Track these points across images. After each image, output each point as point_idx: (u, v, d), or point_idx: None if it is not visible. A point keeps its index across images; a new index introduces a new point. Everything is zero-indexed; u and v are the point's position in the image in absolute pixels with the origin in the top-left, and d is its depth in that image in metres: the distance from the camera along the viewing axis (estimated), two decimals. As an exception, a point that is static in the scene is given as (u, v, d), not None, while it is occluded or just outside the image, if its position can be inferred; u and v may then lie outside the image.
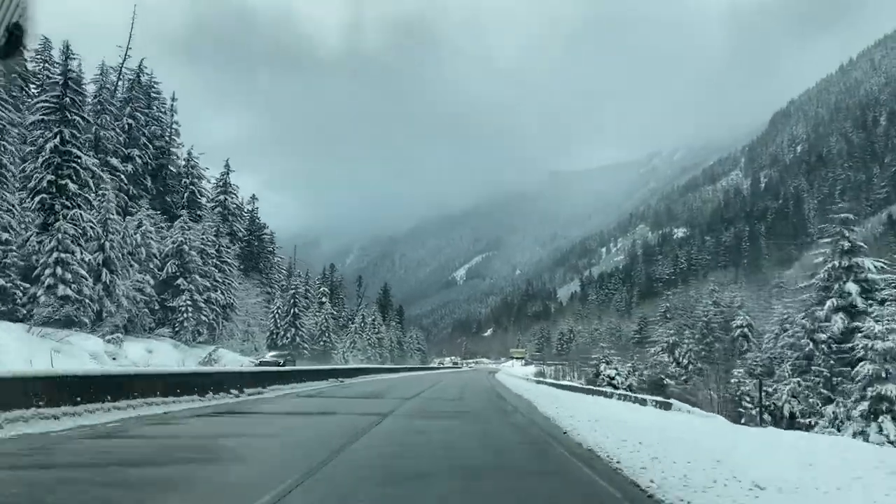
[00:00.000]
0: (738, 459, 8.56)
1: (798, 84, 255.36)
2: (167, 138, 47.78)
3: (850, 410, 28.64)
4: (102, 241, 31.52)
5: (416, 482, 7.22)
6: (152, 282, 35.63)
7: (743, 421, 31.53)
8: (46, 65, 38.04)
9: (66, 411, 12.48)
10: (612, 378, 46.86)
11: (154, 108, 47.26)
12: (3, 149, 28.48)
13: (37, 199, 31.11)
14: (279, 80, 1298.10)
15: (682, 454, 9.05)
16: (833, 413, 29.92)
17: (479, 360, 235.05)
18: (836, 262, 33.01)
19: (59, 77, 33.48)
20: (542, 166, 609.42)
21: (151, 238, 36.53)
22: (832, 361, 32.12)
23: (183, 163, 48.76)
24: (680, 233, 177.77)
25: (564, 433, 12.86)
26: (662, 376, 47.89)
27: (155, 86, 47.57)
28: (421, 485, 7.10)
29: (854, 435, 25.90)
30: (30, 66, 35.94)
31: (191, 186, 48.29)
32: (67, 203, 31.07)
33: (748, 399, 35.78)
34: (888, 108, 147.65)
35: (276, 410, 17.59)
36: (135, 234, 35.39)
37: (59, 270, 28.56)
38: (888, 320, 28.37)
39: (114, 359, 28.46)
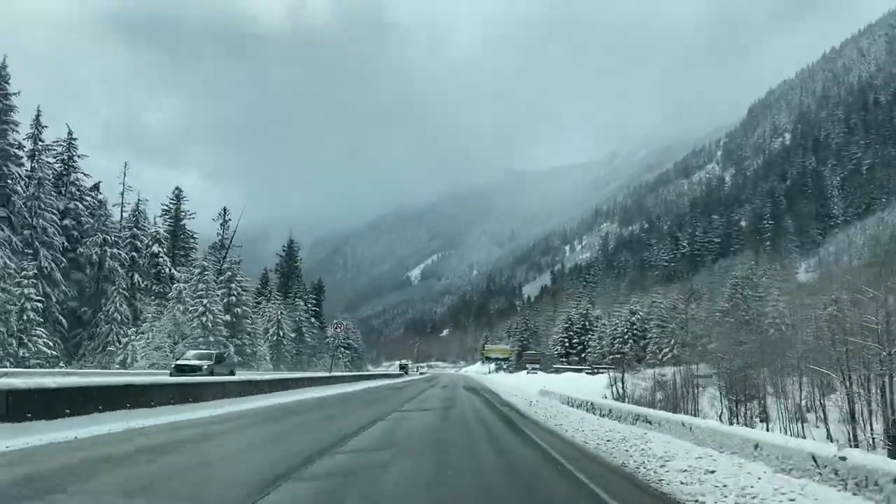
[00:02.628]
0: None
1: (767, 77, 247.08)
2: None
3: None
4: None
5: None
6: None
7: None
8: None
9: None
10: None
11: None
12: None
13: None
14: (220, 63, 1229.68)
15: None
16: None
17: (433, 364, 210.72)
18: None
19: None
20: (499, 164, 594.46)
21: None
22: None
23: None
24: (658, 225, 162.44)
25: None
26: None
27: None
28: None
29: None
30: None
31: None
32: None
33: None
34: (892, 88, 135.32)
35: None
36: None
37: None
38: None
39: None
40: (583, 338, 78.84)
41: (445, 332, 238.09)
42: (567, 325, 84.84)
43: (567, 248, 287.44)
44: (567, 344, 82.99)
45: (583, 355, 77.34)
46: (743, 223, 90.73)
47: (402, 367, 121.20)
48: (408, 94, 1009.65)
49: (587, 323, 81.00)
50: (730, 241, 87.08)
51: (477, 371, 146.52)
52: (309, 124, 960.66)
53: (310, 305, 76.28)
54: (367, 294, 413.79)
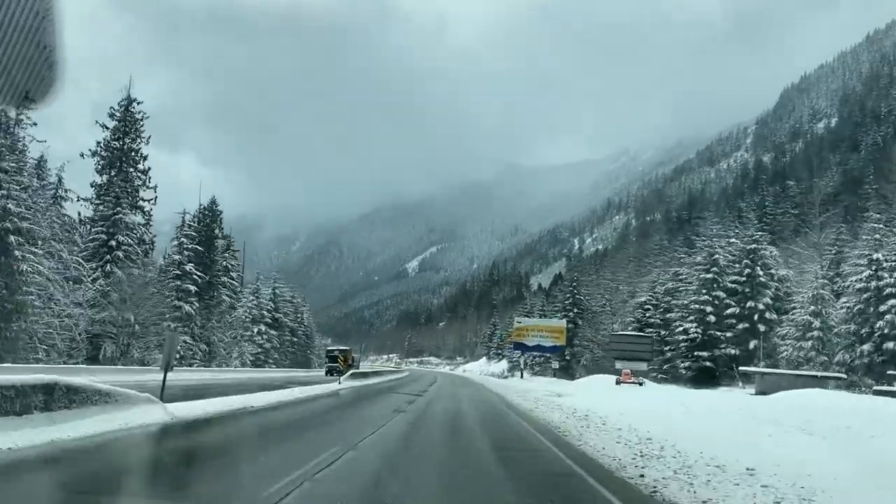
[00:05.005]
0: None
1: (779, 73, 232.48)
2: None
3: None
4: None
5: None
6: None
7: None
8: None
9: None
10: None
11: None
12: None
13: None
14: (211, 41, 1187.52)
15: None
16: None
17: (425, 360, 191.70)
18: None
19: None
20: (500, 158, 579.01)
21: None
22: None
23: None
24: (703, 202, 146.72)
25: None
26: None
27: None
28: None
29: None
30: None
31: None
32: None
33: None
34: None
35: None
36: None
37: None
38: None
39: None
40: (749, 303, 40.38)
41: (442, 324, 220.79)
42: (711, 277, 42.37)
43: (576, 240, 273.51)
44: (715, 319, 42.50)
45: (750, 345, 40.08)
46: (829, 190, 74.68)
47: (334, 361, 53.92)
48: (408, 83, 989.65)
49: (759, 274, 40.77)
50: (809, 211, 70.96)
51: (482, 371, 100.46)
52: (306, 111, 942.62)
53: (185, 241, 43.08)
54: (361, 285, 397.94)
